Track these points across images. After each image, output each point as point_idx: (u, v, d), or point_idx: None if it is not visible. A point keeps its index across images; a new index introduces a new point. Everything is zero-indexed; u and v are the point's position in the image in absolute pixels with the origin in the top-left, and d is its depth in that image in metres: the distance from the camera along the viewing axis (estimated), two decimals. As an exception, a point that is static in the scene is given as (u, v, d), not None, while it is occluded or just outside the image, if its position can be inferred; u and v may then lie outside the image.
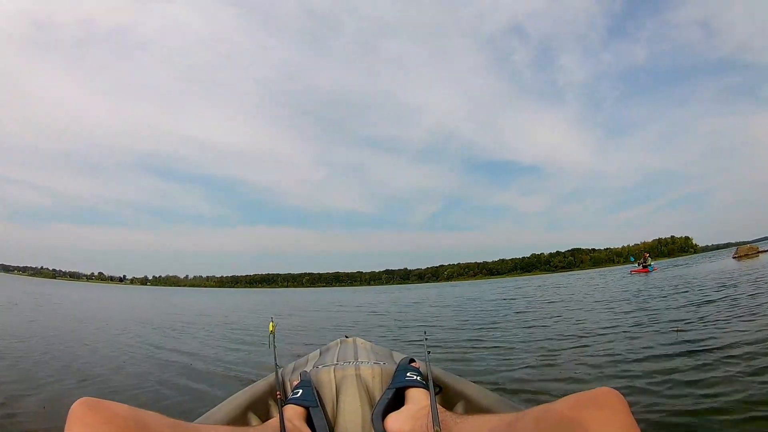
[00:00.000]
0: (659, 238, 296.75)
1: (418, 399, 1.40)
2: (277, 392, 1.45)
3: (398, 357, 2.06)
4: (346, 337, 2.56)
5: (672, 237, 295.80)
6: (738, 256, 29.40)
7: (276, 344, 2.10)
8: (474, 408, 1.47)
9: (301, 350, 4.83)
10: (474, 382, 1.72)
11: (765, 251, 30.40)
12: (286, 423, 1.23)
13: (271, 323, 2.39)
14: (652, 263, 28.62)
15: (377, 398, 1.53)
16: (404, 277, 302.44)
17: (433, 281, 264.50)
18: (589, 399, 0.74)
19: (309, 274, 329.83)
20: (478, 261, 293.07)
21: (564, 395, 0.84)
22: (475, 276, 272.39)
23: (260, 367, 4.87)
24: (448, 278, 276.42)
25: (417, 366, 1.69)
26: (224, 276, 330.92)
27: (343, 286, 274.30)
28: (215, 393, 3.82)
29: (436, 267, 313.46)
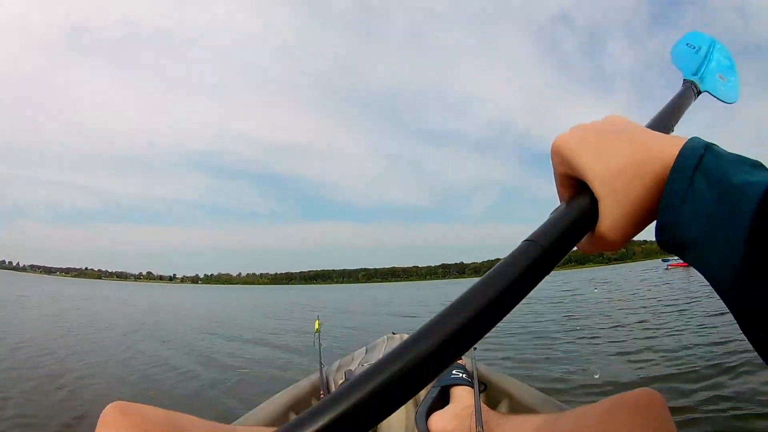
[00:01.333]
0: None
1: (462, 398, 1.39)
2: (321, 392, 1.46)
3: None
4: (393, 333, 2.42)
5: None
6: None
7: (321, 343, 2.11)
8: (518, 407, 1.46)
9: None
10: (521, 380, 1.70)
11: None
12: None
13: (317, 321, 2.35)
14: None
15: (422, 397, 1.49)
16: (460, 271, 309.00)
17: None
18: (630, 400, 0.73)
19: (365, 269, 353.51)
20: None
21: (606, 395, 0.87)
22: None
23: (304, 366, 4.82)
24: None
25: (463, 363, 1.66)
26: (278, 273, 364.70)
27: (399, 281, 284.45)
28: (256, 394, 3.78)
29: (493, 260, 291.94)
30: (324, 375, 1.78)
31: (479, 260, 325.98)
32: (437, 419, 1.30)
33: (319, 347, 2.07)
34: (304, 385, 1.71)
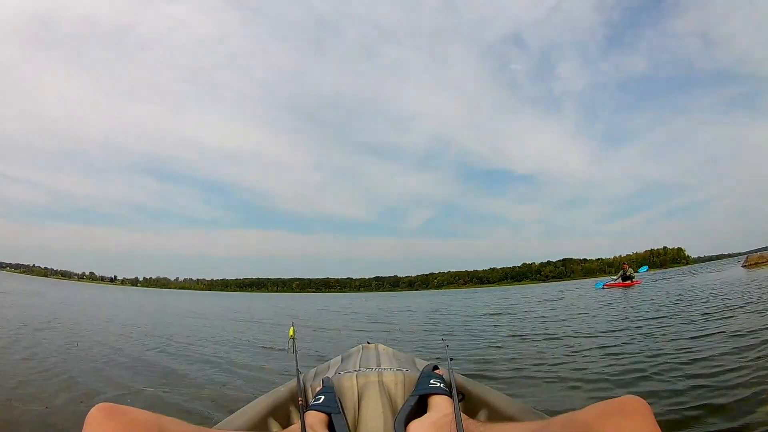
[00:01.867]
0: (651, 249, 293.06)
1: (441, 406, 1.39)
2: (299, 398, 1.43)
3: (421, 364, 2.05)
4: (368, 342, 2.49)
5: (664, 248, 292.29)
6: (748, 265, 26.12)
7: (297, 350, 2.08)
8: (497, 416, 1.45)
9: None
10: (499, 390, 1.71)
11: None
12: (308, 429, 1.21)
13: (291, 328, 2.35)
14: (635, 274, 24.98)
15: (400, 405, 1.52)
16: (394, 284, 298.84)
17: (423, 288, 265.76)
18: (615, 407, 0.73)
19: (299, 279, 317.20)
20: (469, 269, 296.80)
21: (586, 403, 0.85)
22: (465, 284, 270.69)
23: (281, 373, 4.67)
24: (438, 286, 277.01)
25: (441, 373, 1.69)
26: (214, 279, 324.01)
27: (333, 292, 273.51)
28: (237, 398, 3.66)
29: (427, 275, 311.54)
30: (302, 382, 1.72)
31: (413, 274, 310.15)
32: (416, 428, 1.28)
33: (295, 354, 2.00)
34: (282, 391, 1.73)
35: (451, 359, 1.78)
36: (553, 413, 0.97)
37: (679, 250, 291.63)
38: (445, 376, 1.64)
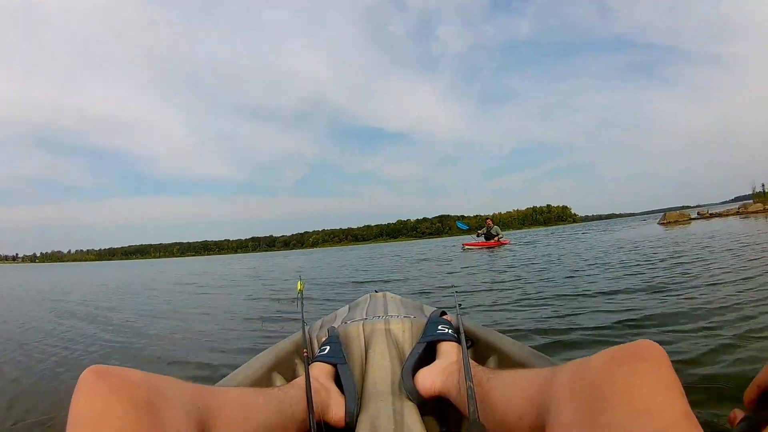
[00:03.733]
0: (534, 207, 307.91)
1: (449, 353, 1.32)
2: (304, 350, 1.37)
3: (429, 311, 1.95)
4: (376, 291, 2.37)
5: (548, 206, 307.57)
6: (666, 222, 26.20)
7: (303, 302, 2.05)
8: (507, 362, 1.36)
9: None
10: (508, 336, 1.57)
11: (696, 218, 27.24)
12: (313, 382, 1.15)
13: (299, 282, 2.16)
14: (501, 234, 20.32)
15: (407, 353, 1.43)
16: (270, 244, 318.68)
17: (299, 248, 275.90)
18: (631, 352, 0.68)
19: (179, 243, 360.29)
20: (344, 227, 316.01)
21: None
22: (340, 242, 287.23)
23: (287, 326, 4.37)
24: (313, 245, 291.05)
25: (449, 319, 1.58)
26: (102, 249, 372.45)
27: (212, 254, 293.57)
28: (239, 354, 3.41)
29: (302, 233, 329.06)
30: (307, 333, 1.71)
31: (288, 233, 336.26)
32: (424, 375, 1.23)
33: (302, 307, 1.95)
34: (287, 344, 1.65)
35: (460, 305, 1.75)
36: (564, 360, 0.92)
37: (565, 208, 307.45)
38: (454, 323, 1.54)
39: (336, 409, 1.19)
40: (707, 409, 1.76)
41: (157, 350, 3.75)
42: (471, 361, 1.12)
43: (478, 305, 4.65)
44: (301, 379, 1.18)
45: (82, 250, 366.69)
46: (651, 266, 6.65)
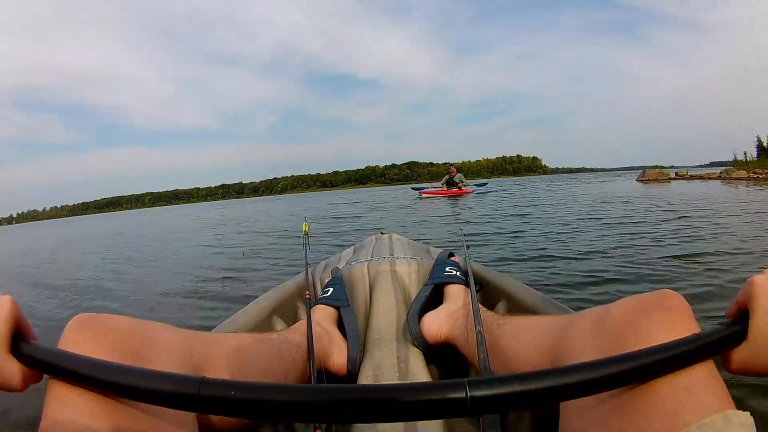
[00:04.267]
0: (504, 156, 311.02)
1: (457, 296, 1.28)
2: (306, 292, 1.31)
3: (436, 253, 1.81)
4: (382, 233, 2.26)
5: (518, 156, 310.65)
6: (645, 180, 24.80)
7: (309, 245, 1.90)
8: (517, 308, 1.30)
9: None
10: (519, 280, 1.49)
11: (675, 179, 25.60)
12: (314, 326, 1.10)
13: (305, 223, 2.05)
14: (466, 182, 18.28)
15: (414, 295, 1.40)
16: (239, 191, 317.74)
17: (267, 194, 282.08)
18: (653, 301, 0.65)
19: (150, 193, 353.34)
20: (312, 173, 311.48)
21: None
22: (308, 188, 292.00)
23: (291, 268, 4.42)
24: (282, 191, 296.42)
25: (457, 261, 1.53)
26: (75, 204, 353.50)
27: (182, 203, 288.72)
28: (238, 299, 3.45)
29: (270, 180, 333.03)
30: (310, 275, 1.62)
31: (258, 179, 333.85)
32: (431, 319, 1.19)
33: (306, 247, 1.84)
34: (289, 286, 1.59)
35: (468, 247, 1.71)
36: (579, 308, 0.89)
37: (535, 159, 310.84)
38: (462, 265, 1.49)
39: (338, 355, 1.15)
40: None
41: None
42: (480, 305, 1.05)
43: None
44: (302, 323, 1.14)
45: (56, 207, 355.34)
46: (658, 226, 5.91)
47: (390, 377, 1.00)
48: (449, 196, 16.66)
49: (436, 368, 1.23)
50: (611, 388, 0.52)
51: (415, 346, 1.14)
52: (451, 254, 1.60)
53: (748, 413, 0.49)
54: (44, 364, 0.59)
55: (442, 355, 1.20)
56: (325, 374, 1.09)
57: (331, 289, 1.40)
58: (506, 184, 37.69)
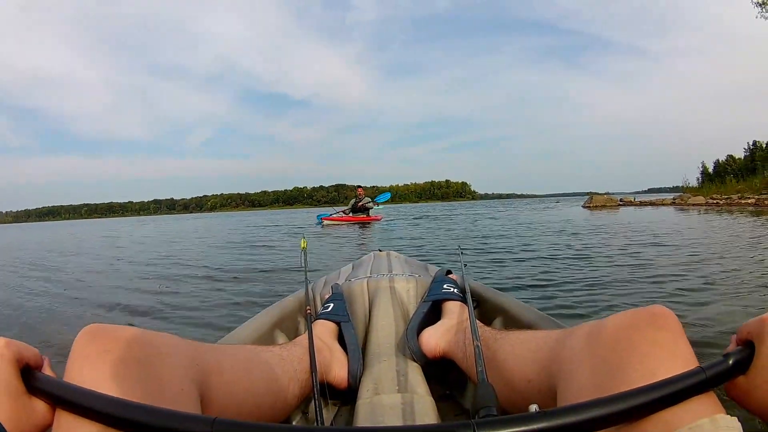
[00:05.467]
0: (432, 181, 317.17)
1: (454, 313, 1.32)
2: (307, 307, 1.35)
3: (434, 270, 1.89)
4: (380, 250, 2.28)
5: (447, 181, 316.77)
6: (592, 206, 23.24)
7: (308, 260, 1.87)
8: (513, 323, 1.33)
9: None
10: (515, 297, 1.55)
11: (624, 204, 24.49)
12: (315, 340, 1.14)
13: (303, 240, 1.99)
14: (377, 206, 15.70)
15: (412, 312, 1.44)
16: (171, 207, 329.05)
17: (198, 211, 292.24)
18: (644, 317, 0.67)
19: (87, 204, 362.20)
20: (242, 192, 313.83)
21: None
22: (237, 207, 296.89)
23: (291, 284, 4.35)
24: (212, 208, 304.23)
25: (454, 279, 1.58)
26: (19, 210, 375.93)
27: (116, 216, 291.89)
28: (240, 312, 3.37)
29: (201, 197, 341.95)
30: (310, 291, 1.66)
31: (189, 196, 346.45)
32: (429, 334, 1.23)
33: (305, 264, 1.82)
34: (290, 301, 1.63)
35: (465, 265, 1.68)
36: (573, 323, 0.94)
37: (464, 184, 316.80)
38: (459, 282, 1.54)
39: (339, 368, 1.18)
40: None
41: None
42: (477, 321, 1.07)
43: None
44: (303, 337, 1.16)
45: (1, 212, 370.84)
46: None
47: (389, 390, 1.00)
48: (356, 224, 13.86)
49: (435, 382, 1.20)
50: (625, 422, 0.53)
51: (414, 360, 1.16)
52: (449, 272, 1.64)
53: (735, 418, 0.52)
54: (56, 398, 0.58)
55: (440, 369, 1.20)
56: (327, 387, 1.11)
57: (332, 305, 1.43)
58: (434, 209, 36.81)
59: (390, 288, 1.52)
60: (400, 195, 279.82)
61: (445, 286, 1.45)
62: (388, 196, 17.76)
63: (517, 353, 0.90)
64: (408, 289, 1.54)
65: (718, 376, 0.56)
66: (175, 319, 3.30)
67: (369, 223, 14.18)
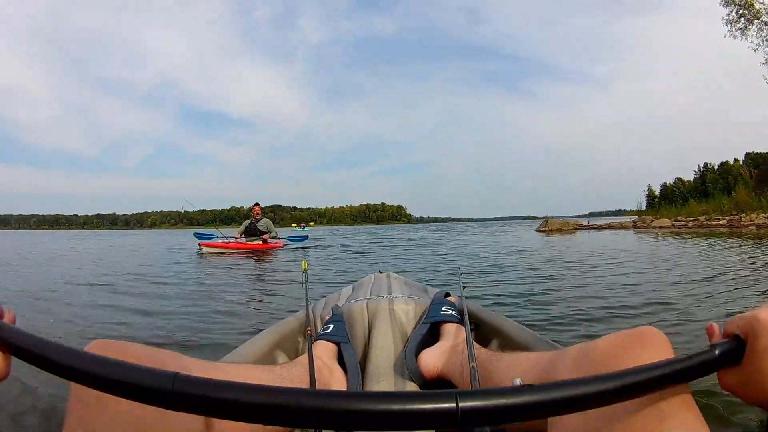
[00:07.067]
0: (368, 204, 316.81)
1: (453, 334, 1.35)
2: (308, 328, 1.38)
3: (433, 292, 1.91)
4: (380, 272, 2.31)
5: (383, 204, 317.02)
6: (547, 230, 22.71)
7: (308, 281, 1.89)
8: (510, 345, 1.38)
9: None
10: (512, 319, 1.59)
11: (586, 227, 24.17)
12: (316, 360, 1.14)
13: (304, 261, 2.07)
14: (274, 232, 12.17)
15: (411, 333, 1.45)
16: (113, 222, 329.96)
17: (138, 227, 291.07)
18: (634, 338, 0.70)
19: (36, 215, 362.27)
20: (180, 210, 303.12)
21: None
22: (176, 225, 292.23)
23: (292, 305, 4.20)
24: (152, 225, 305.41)
25: (453, 301, 1.63)
26: None
27: (63, 229, 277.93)
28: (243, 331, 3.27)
29: (141, 213, 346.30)
30: (311, 312, 1.68)
31: (130, 212, 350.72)
32: (428, 356, 1.26)
33: (306, 285, 1.84)
34: (290, 321, 1.68)
35: (464, 287, 1.73)
36: (567, 343, 0.95)
37: (400, 207, 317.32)
38: (458, 304, 1.56)
39: (338, 388, 1.19)
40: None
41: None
42: (474, 343, 1.11)
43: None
44: (304, 357, 1.18)
45: None
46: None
47: None
48: (248, 253, 10.69)
49: None
50: (607, 404, 0.53)
51: (413, 381, 1.19)
52: (448, 294, 1.69)
53: None
54: (12, 347, 0.57)
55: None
56: None
57: (332, 326, 1.44)
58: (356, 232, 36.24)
59: (389, 310, 1.52)
60: (336, 217, 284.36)
61: (443, 308, 1.47)
62: (305, 239, 14.10)
63: (512, 373, 0.91)
64: (407, 311, 1.54)
65: (704, 364, 0.58)
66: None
67: (268, 251, 11.16)
